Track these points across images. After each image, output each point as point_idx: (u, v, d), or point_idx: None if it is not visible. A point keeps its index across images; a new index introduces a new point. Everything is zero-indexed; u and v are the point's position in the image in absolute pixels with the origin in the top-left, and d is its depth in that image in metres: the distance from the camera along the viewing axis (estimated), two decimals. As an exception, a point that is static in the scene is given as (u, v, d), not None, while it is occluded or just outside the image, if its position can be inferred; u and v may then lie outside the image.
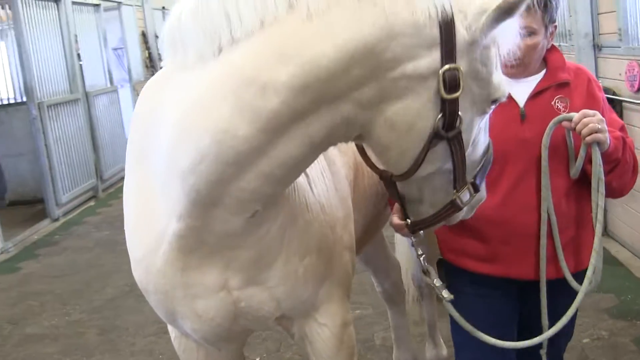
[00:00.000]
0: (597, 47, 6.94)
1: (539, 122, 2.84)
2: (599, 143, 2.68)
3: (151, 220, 2.38)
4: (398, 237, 4.55)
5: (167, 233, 2.31)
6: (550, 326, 3.04)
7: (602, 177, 2.73)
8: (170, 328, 2.88)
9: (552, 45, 2.98)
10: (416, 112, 2.02)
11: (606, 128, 2.70)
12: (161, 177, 2.23)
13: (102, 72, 13.86)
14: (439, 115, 2.03)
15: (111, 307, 6.61)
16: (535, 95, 2.90)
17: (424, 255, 2.68)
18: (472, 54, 2.01)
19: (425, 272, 2.69)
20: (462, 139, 2.12)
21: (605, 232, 7.15)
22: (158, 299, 2.55)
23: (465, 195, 2.30)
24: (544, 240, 2.88)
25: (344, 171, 2.91)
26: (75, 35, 12.39)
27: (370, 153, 2.34)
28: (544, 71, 2.94)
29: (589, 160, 2.75)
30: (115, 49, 16.11)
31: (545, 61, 2.97)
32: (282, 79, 1.90)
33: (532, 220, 2.88)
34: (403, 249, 4.45)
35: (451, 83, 1.98)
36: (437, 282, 2.65)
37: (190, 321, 2.55)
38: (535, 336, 3.17)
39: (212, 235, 2.27)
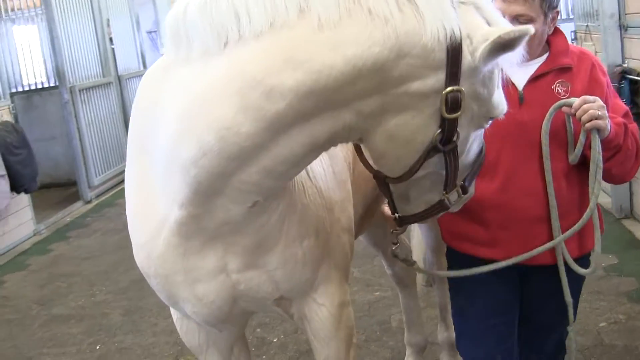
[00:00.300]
0: (623, 28, 6.81)
1: (538, 106, 2.81)
2: (598, 130, 2.66)
3: (153, 207, 2.42)
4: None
5: (169, 220, 2.35)
6: (551, 315, 3.04)
7: (601, 164, 2.71)
8: (172, 310, 2.94)
9: (556, 29, 2.94)
10: (415, 126, 2.10)
11: (607, 114, 2.67)
12: (162, 166, 2.26)
13: (135, 56, 13.96)
14: (438, 131, 2.11)
15: (136, 288, 6.70)
16: (535, 79, 2.87)
17: (398, 244, 2.81)
18: (475, 77, 2.07)
19: (395, 256, 2.86)
20: (457, 151, 2.21)
21: (631, 214, 7.07)
22: (159, 283, 2.60)
23: (453, 196, 2.39)
24: (556, 224, 2.86)
25: (342, 154, 2.93)
26: (107, 19, 12.50)
27: (367, 153, 2.39)
28: (546, 55, 2.91)
29: (588, 146, 2.73)
30: (149, 32, 16.23)
31: (548, 44, 2.94)
32: (289, 83, 1.94)
33: (531, 205, 2.87)
34: (415, 232, 4.45)
35: (453, 104, 2.05)
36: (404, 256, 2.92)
37: (191, 304, 2.60)
38: (535, 327, 3.17)
39: (213, 222, 2.30)
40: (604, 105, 2.67)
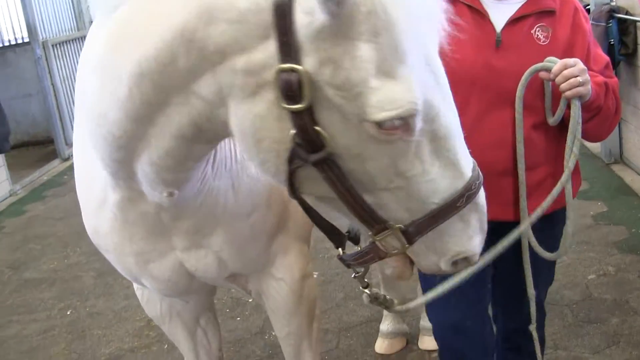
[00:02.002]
0: (611, -36, 6.54)
1: (515, 50, 2.55)
2: (579, 96, 2.42)
3: (94, 183, 2.29)
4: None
5: (109, 202, 2.24)
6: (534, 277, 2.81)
7: (579, 135, 2.46)
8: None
9: None
10: (260, 120, 1.61)
11: (588, 79, 2.42)
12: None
13: (112, 8, 13.63)
14: (294, 131, 1.58)
15: (111, 249, 6.48)
16: (515, 21, 2.58)
17: (369, 287, 2.10)
18: (323, 51, 1.51)
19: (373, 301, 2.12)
20: (340, 167, 1.61)
21: (621, 159, 6.88)
22: (112, 259, 2.53)
23: (392, 241, 1.75)
24: (524, 204, 2.62)
25: None
26: (81, -30, 12.16)
27: None
28: None
29: (568, 106, 2.48)
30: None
31: None
32: (124, 67, 1.71)
33: (499, 157, 2.60)
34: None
35: (287, 89, 1.52)
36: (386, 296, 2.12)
37: (148, 282, 2.51)
38: (509, 290, 2.97)
39: (150, 207, 2.17)
40: (585, 68, 2.42)
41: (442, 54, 1.70)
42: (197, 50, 1.60)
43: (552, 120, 2.56)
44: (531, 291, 2.80)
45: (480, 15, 2.56)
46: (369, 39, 1.48)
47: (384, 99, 1.51)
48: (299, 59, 1.50)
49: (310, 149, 1.57)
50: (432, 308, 2.97)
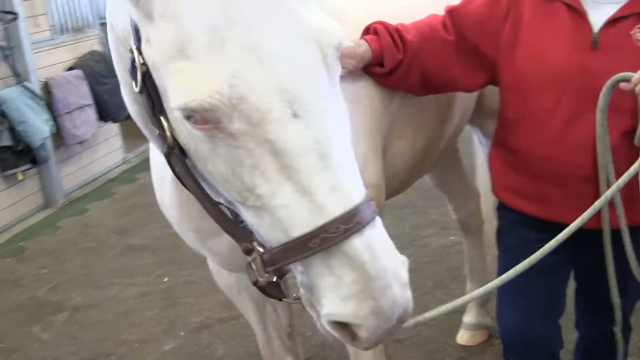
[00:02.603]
0: None
1: (612, 53, 2.41)
2: None
3: (156, 158, 2.42)
4: (478, 162, 4.27)
5: (166, 178, 2.33)
6: (605, 287, 2.72)
7: None
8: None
9: None
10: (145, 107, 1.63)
11: None
12: None
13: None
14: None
15: (212, 221, 6.63)
16: (614, 21, 2.43)
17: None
18: (145, 32, 1.51)
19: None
20: (186, 164, 1.58)
21: None
22: (176, 230, 2.62)
23: (263, 271, 1.56)
24: (606, 217, 2.52)
25: (367, 100, 2.61)
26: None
27: None
28: None
29: None
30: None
31: None
32: (114, 54, 1.82)
33: (586, 161, 2.48)
34: (483, 178, 4.16)
35: (130, 71, 1.57)
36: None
37: (209, 256, 2.64)
38: (590, 300, 2.90)
39: None
40: None
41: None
42: (116, 35, 1.70)
43: (636, 140, 2.40)
44: (616, 300, 2.70)
45: (578, 14, 2.44)
46: (170, 20, 1.44)
47: (181, 83, 1.42)
48: (138, 40, 1.52)
49: (162, 140, 1.55)
50: (501, 311, 2.92)
